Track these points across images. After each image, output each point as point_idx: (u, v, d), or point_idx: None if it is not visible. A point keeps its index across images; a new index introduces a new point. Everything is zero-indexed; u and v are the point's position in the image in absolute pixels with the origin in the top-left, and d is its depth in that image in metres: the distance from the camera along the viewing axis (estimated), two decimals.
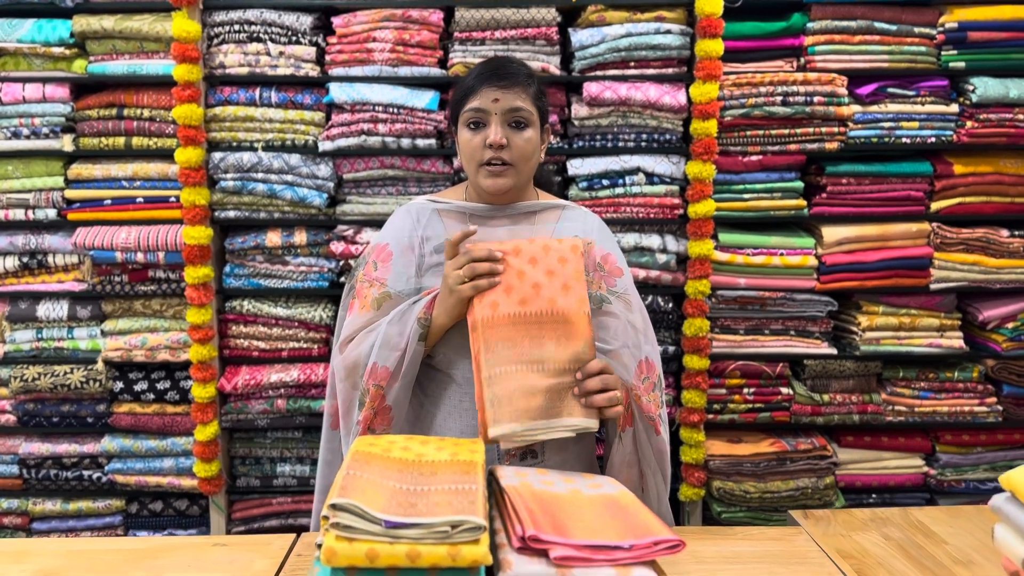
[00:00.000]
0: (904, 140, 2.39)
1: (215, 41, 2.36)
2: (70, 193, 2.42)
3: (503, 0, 2.31)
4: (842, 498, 2.50)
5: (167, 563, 1.28)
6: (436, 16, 2.33)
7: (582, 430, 1.30)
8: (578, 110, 2.36)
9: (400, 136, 2.35)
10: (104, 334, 2.47)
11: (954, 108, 2.39)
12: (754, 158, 2.39)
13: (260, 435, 2.52)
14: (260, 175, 2.38)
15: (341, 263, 2.44)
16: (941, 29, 2.36)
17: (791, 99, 2.34)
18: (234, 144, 2.39)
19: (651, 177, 2.39)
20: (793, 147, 2.38)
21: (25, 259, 2.45)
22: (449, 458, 1.14)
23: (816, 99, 2.33)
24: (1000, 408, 2.47)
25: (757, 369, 2.45)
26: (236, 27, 2.34)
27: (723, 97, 2.33)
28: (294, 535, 1.37)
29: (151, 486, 2.49)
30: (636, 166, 2.37)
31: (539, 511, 1.06)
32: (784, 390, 2.46)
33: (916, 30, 2.36)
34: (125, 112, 2.39)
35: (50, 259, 2.45)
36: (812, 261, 2.40)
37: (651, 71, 2.36)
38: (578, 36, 2.34)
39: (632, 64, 2.36)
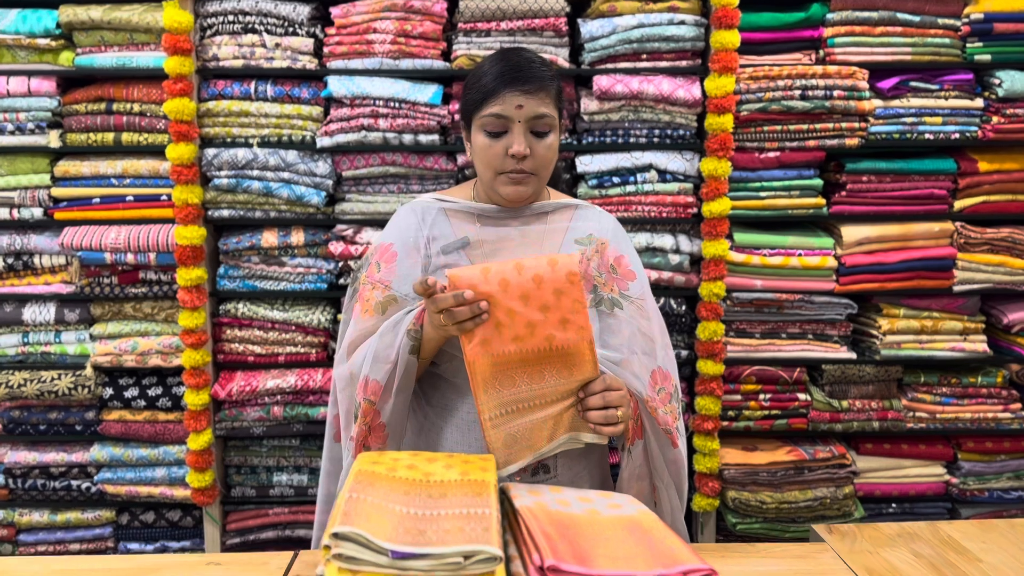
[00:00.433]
0: (927, 136, 2.35)
1: (208, 32, 2.33)
2: (57, 191, 2.39)
3: None
4: (861, 508, 2.46)
5: None
6: (439, 6, 2.30)
7: (590, 441, 1.29)
8: (587, 104, 2.32)
9: (402, 132, 2.32)
10: (93, 338, 2.44)
11: (979, 103, 2.35)
12: (771, 155, 2.35)
13: (256, 443, 2.49)
14: (255, 172, 2.34)
15: (340, 264, 2.41)
16: (966, 20, 2.33)
17: (810, 93, 2.30)
18: (228, 140, 2.35)
19: (664, 174, 2.35)
20: (812, 143, 2.35)
21: (10, 260, 2.41)
22: (459, 477, 1.11)
23: (836, 93, 2.30)
24: None
25: (773, 374, 2.41)
26: (230, 17, 2.32)
27: (739, 91, 2.29)
28: (292, 553, 1.34)
29: (142, 496, 2.47)
30: (648, 163, 2.34)
31: (557, 536, 1.02)
32: (801, 396, 2.43)
33: (940, 21, 2.33)
34: (114, 107, 2.35)
35: (36, 260, 2.42)
36: (831, 262, 2.36)
37: (664, 63, 2.32)
38: (588, 27, 2.30)
39: (644, 56, 2.32)
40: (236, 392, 2.37)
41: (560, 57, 2.31)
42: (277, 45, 2.32)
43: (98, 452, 2.44)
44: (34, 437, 2.45)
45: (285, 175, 2.35)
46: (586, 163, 2.34)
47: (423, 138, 2.32)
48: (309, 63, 2.33)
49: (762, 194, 2.37)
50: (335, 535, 0.91)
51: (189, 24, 2.22)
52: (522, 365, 1.22)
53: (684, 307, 2.40)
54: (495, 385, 1.21)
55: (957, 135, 2.35)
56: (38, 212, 2.39)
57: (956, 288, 2.39)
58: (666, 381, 1.40)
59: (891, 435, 2.46)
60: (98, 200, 2.38)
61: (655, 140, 2.34)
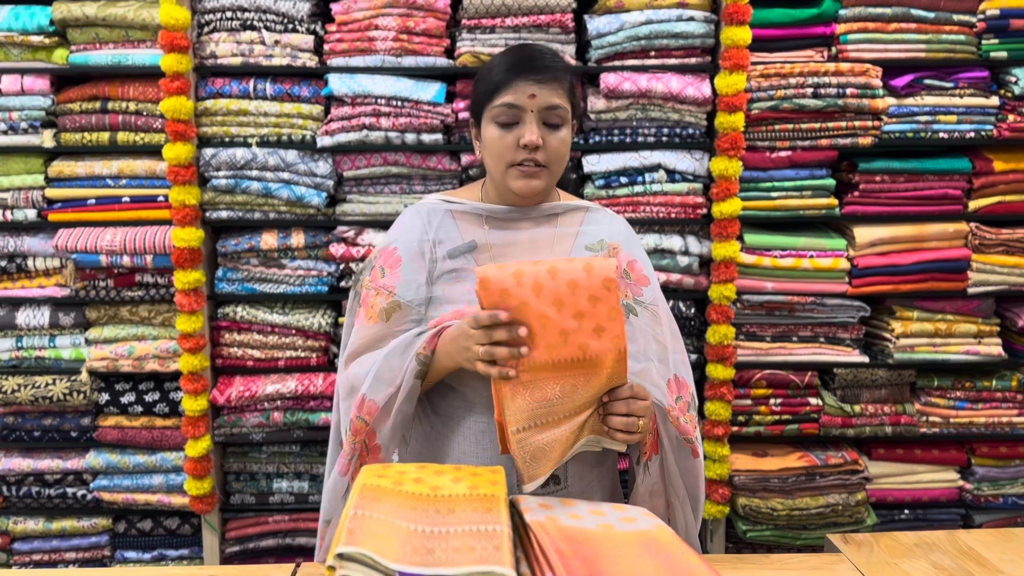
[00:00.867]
0: (941, 135, 2.32)
1: (206, 29, 2.31)
2: (51, 192, 2.37)
3: None
4: (873, 515, 2.42)
5: None
6: (443, 2, 2.27)
7: (608, 447, 1.26)
8: (595, 103, 2.28)
9: (404, 131, 2.28)
10: (88, 343, 2.41)
11: (995, 101, 2.32)
12: (783, 154, 2.32)
13: (255, 450, 2.46)
14: (254, 172, 2.32)
15: (341, 266, 2.38)
16: (982, 16, 2.30)
17: (822, 91, 2.26)
18: (226, 139, 2.33)
19: (673, 174, 2.31)
20: (824, 142, 2.32)
21: (3, 263, 2.39)
22: (468, 492, 1.08)
23: (849, 91, 2.26)
24: None
25: (784, 378, 2.38)
26: (228, 14, 2.29)
27: (750, 89, 2.26)
28: (293, 564, 1.30)
29: (139, 504, 2.44)
30: (657, 162, 2.30)
31: (571, 553, 0.99)
32: (813, 400, 2.39)
33: (955, 17, 2.29)
34: (109, 105, 2.33)
35: (30, 263, 2.40)
36: (843, 263, 2.33)
37: (673, 61, 2.29)
38: (595, 23, 2.26)
39: (653, 53, 2.29)
40: (235, 397, 2.34)
41: (567, 54, 2.27)
42: (276, 42, 2.29)
43: (94, 459, 2.41)
44: (28, 444, 2.42)
45: (285, 175, 2.32)
46: (593, 163, 2.30)
47: (426, 137, 2.29)
48: (309, 61, 2.30)
49: (773, 194, 2.34)
50: (340, 555, 0.88)
51: (186, 21, 2.19)
52: (553, 375, 1.15)
53: (693, 310, 2.37)
54: (524, 396, 1.15)
55: (972, 134, 2.32)
56: (32, 213, 2.36)
57: (971, 290, 2.35)
58: (683, 389, 1.38)
59: (904, 440, 2.43)
60: (93, 201, 2.36)
61: (664, 139, 2.31)
